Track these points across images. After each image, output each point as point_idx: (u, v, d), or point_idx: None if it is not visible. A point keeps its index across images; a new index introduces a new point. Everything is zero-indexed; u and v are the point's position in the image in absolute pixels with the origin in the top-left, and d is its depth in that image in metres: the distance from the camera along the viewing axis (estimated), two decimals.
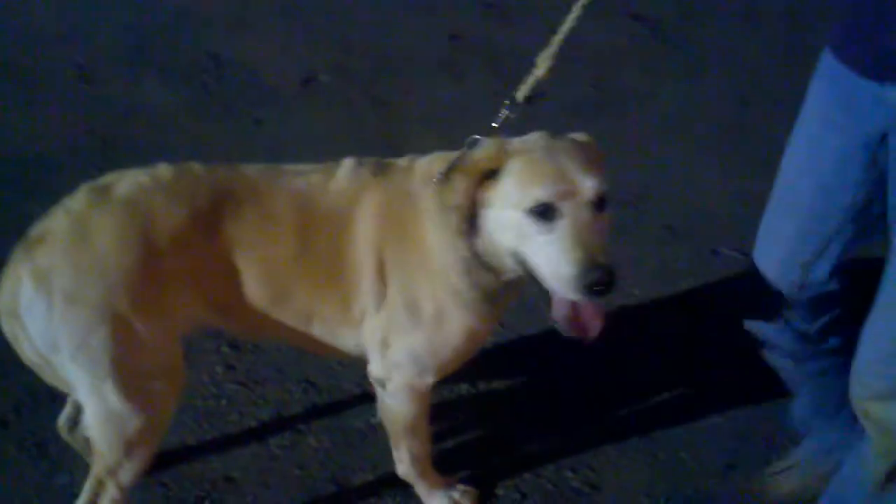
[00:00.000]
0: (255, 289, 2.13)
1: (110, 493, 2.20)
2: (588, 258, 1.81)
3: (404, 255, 2.11)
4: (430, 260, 2.08)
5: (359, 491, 2.65)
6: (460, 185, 1.95)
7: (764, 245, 2.23)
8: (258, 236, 2.09)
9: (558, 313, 1.92)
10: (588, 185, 1.88)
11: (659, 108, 4.75)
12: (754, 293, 2.27)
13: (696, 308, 3.40)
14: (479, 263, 2.04)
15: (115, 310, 1.97)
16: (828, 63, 2.01)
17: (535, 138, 2.02)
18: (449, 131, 4.39)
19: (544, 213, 1.86)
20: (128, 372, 2.03)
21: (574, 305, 1.90)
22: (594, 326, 1.93)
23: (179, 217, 2.04)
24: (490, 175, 1.94)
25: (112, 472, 2.16)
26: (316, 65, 4.95)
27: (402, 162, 2.21)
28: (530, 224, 1.87)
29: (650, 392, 3.04)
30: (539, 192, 1.86)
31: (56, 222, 2.02)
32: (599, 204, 1.90)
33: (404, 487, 2.61)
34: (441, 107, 4.64)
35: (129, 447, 2.12)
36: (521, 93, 2.17)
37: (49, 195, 3.69)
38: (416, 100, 4.72)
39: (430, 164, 2.14)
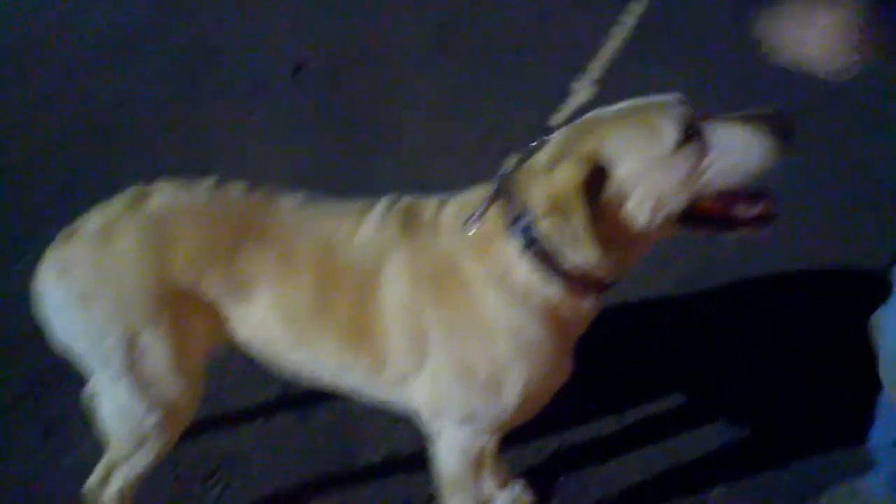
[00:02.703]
0: (274, 329, 2.06)
1: (121, 478, 2.23)
2: (759, 118, 1.76)
3: (449, 320, 1.93)
4: (486, 323, 1.90)
5: (364, 467, 2.69)
6: (576, 220, 1.69)
7: None
8: (276, 278, 2.01)
9: (754, 209, 1.82)
10: (672, 95, 1.80)
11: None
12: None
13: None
14: (583, 288, 1.86)
15: (127, 318, 1.97)
16: None
17: (583, 120, 1.85)
18: (439, 116, 4.46)
19: (690, 135, 1.72)
20: (141, 376, 2.03)
21: (758, 196, 1.82)
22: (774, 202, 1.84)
23: (199, 241, 2.00)
24: (594, 176, 1.71)
25: (123, 462, 2.19)
26: (306, 52, 4.96)
27: (427, 214, 2.01)
28: (688, 158, 1.72)
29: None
30: (671, 122, 1.72)
31: (91, 220, 2.05)
32: None
33: (410, 464, 2.66)
34: (431, 92, 4.66)
35: (141, 443, 2.13)
36: (558, 120, 1.99)
37: (46, 187, 3.79)
38: (405, 85, 4.73)
39: (456, 218, 1.95)
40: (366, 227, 2.02)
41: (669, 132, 1.72)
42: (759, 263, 3.42)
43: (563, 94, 4.59)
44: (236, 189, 2.10)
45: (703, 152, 1.73)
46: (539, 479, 2.65)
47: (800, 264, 3.48)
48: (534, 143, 1.91)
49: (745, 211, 1.83)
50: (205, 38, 5.04)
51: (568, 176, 1.70)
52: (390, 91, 4.68)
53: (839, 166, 4.08)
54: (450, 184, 3.85)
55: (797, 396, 2.96)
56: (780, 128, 1.76)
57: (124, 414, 2.09)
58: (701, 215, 1.81)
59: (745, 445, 2.81)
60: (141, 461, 2.18)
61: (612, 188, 1.73)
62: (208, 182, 2.11)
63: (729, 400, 2.94)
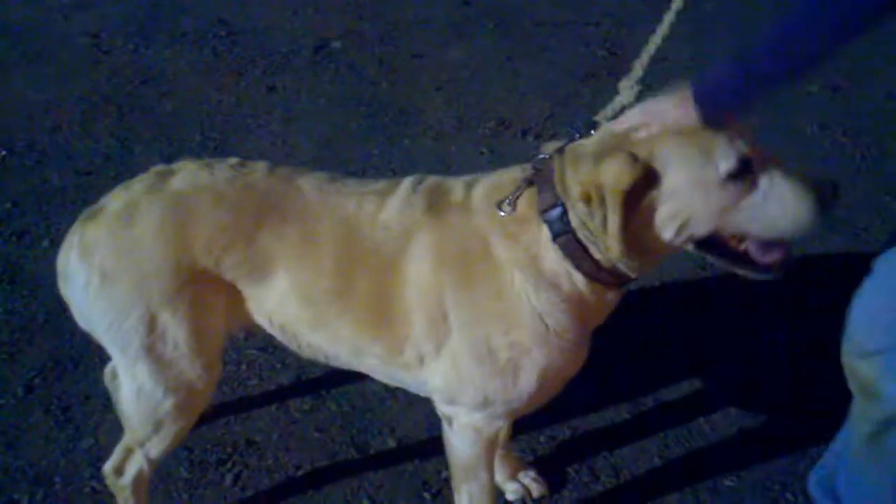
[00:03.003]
0: (294, 309, 2.06)
1: (138, 462, 2.24)
2: (811, 182, 1.73)
3: (473, 302, 1.93)
4: (510, 306, 1.91)
5: (378, 453, 2.69)
6: (611, 212, 1.71)
7: None
8: (297, 259, 2.01)
9: (768, 257, 1.81)
10: (743, 125, 1.76)
11: (670, 70, 4.70)
12: None
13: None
14: (608, 281, 1.88)
15: (148, 299, 1.98)
16: None
17: (632, 115, 1.82)
18: (459, 97, 4.44)
19: (743, 171, 1.70)
20: (160, 358, 2.03)
21: (777, 246, 1.81)
22: (789, 256, 1.84)
23: (220, 221, 2.00)
24: (640, 179, 1.71)
25: (141, 444, 2.20)
26: (328, 31, 4.94)
27: (455, 195, 2.00)
28: (732, 192, 1.71)
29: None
30: (730, 153, 1.70)
31: (113, 199, 2.06)
32: None
33: (424, 450, 2.66)
34: (452, 71, 4.64)
35: (158, 426, 2.14)
36: (602, 117, 1.95)
37: (67, 162, 3.82)
38: (427, 64, 4.71)
39: (486, 200, 1.94)
40: (390, 207, 2.01)
41: (726, 161, 1.70)
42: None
43: (583, 76, 4.58)
44: (258, 169, 2.09)
45: (748, 192, 1.72)
46: (550, 467, 2.64)
47: (822, 248, 3.44)
48: (576, 135, 1.89)
49: (759, 254, 1.83)
50: (227, 17, 5.03)
51: (618, 170, 1.70)
52: (411, 71, 4.67)
53: (860, 158, 4.03)
54: (469, 164, 3.88)
55: (815, 383, 2.92)
56: (828, 198, 1.74)
57: (142, 396, 2.09)
58: (716, 244, 1.81)
59: (759, 433, 2.78)
60: (158, 445, 2.19)
61: (652, 194, 1.73)
62: (230, 162, 2.10)
63: (744, 386, 2.92)
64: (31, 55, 4.65)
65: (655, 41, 2.00)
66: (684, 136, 1.73)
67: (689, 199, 1.73)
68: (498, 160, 3.89)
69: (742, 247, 1.83)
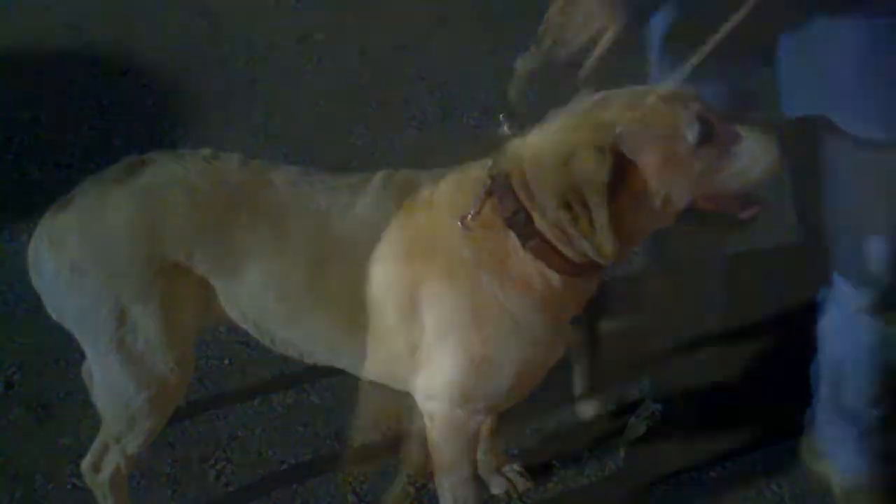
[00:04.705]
0: (268, 304, 2.03)
1: (115, 458, 2.22)
2: (767, 127, 1.76)
3: (443, 301, 1.90)
4: (480, 304, 1.88)
5: (362, 448, 2.67)
6: (596, 209, 1.67)
7: None
8: (269, 253, 1.97)
9: (746, 211, 1.82)
10: (689, 88, 1.75)
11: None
12: None
13: None
14: (583, 272, 1.86)
15: (118, 292, 1.96)
16: None
17: (588, 106, 1.80)
18: (443, 85, 4.41)
19: (707, 135, 1.69)
20: (131, 352, 2.01)
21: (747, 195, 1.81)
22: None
23: (191, 214, 1.97)
24: (615, 167, 1.68)
25: (117, 440, 2.18)
26: (310, 23, 4.90)
27: (423, 191, 1.95)
28: (704, 158, 1.70)
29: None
30: (693, 120, 1.69)
31: (84, 190, 2.04)
32: None
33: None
34: (436, 63, 4.61)
35: (132, 421, 2.11)
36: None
37: (47, 157, 3.77)
38: (411, 56, 4.68)
39: (449, 199, 1.91)
40: (361, 203, 1.98)
41: (692, 129, 1.69)
42: (769, 233, 3.36)
43: (565, 64, 4.52)
44: (231, 161, 2.06)
45: (718, 153, 1.72)
46: (535, 460, 2.64)
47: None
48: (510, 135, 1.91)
49: (738, 212, 1.83)
50: (208, 8, 4.99)
51: (592, 166, 1.67)
52: (394, 62, 4.63)
53: None
54: (454, 154, 3.83)
55: (803, 375, 2.91)
56: (781, 139, 1.75)
57: (115, 391, 2.07)
58: (693, 211, 1.79)
59: (743, 424, 2.78)
60: (133, 441, 2.17)
61: (630, 178, 1.71)
62: (203, 154, 2.07)
63: (729, 377, 2.90)
64: (8, 51, 4.59)
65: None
66: (643, 112, 1.71)
67: (667, 176, 1.71)
68: (482, 149, 3.86)
69: (711, 206, 1.81)
